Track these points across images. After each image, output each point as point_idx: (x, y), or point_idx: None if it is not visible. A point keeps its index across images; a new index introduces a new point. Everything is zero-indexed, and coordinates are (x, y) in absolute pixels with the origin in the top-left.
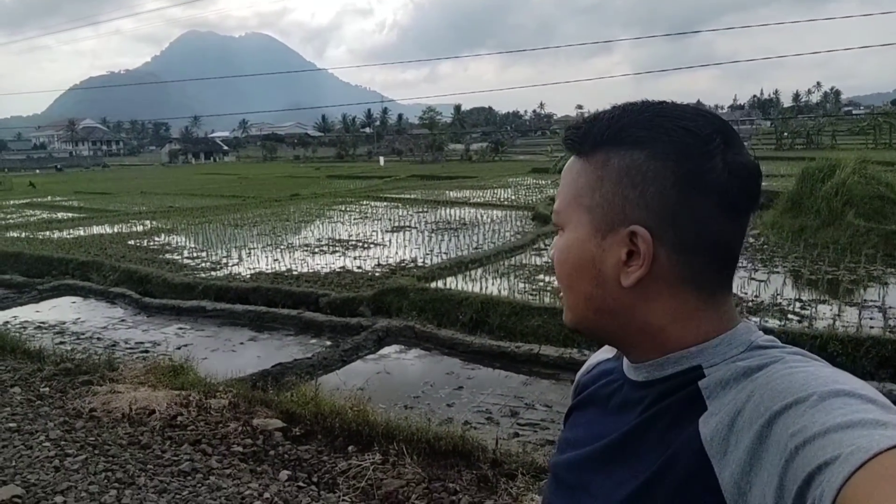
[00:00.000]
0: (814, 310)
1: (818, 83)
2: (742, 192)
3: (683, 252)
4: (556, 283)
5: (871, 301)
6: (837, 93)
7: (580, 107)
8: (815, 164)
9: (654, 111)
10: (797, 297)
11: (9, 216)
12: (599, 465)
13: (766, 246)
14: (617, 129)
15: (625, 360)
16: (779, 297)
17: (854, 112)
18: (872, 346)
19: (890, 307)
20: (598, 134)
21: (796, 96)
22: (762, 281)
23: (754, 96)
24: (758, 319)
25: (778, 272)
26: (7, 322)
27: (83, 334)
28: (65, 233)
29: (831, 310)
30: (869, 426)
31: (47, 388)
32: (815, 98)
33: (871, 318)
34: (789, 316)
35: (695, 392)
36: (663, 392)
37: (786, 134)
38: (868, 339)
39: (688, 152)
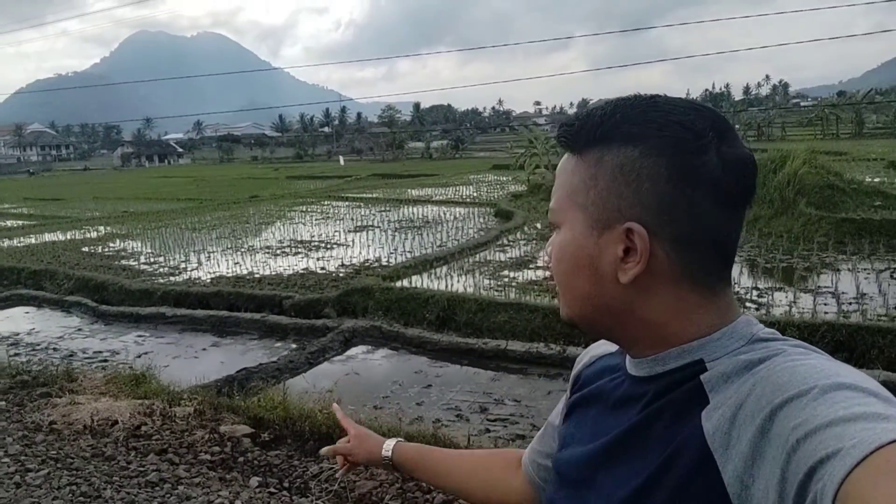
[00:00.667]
0: (770, 297)
1: (767, 76)
2: (737, 185)
3: (681, 247)
4: (547, 277)
5: (825, 287)
6: (786, 85)
7: (538, 103)
8: (766, 155)
9: (647, 106)
10: (754, 285)
11: None
12: (604, 461)
13: None
14: (609, 126)
15: (627, 357)
16: (736, 285)
17: (802, 104)
18: (827, 331)
19: (843, 293)
20: (590, 131)
21: (747, 89)
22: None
23: (706, 90)
24: None
25: (734, 262)
26: None
27: (38, 345)
28: (15, 241)
29: (787, 297)
30: (871, 419)
31: (3, 402)
32: (765, 91)
33: (825, 304)
34: (747, 304)
35: (697, 386)
36: (665, 387)
37: (737, 126)
38: (823, 325)
39: (681, 147)
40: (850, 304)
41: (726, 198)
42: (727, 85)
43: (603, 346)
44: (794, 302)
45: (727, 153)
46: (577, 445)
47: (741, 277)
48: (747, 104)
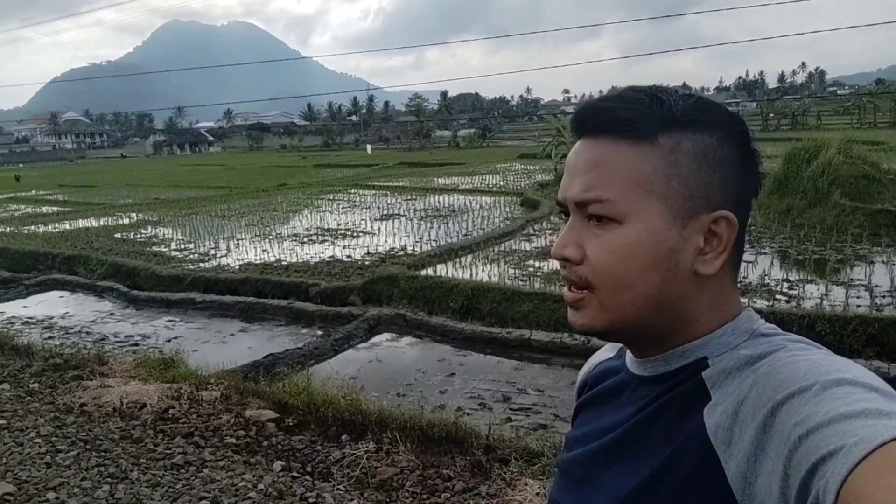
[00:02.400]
0: (801, 290)
1: (803, 63)
2: (761, 177)
3: (741, 236)
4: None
5: (858, 280)
6: (822, 73)
7: (567, 91)
8: (800, 144)
9: (698, 97)
10: (785, 277)
11: None
12: (607, 459)
13: (752, 227)
14: (682, 112)
15: (628, 356)
16: (767, 277)
17: (839, 92)
18: (859, 325)
19: (876, 286)
20: (665, 115)
21: (782, 77)
22: (749, 262)
23: (740, 77)
24: (746, 301)
25: (765, 253)
26: None
27: (72, 329)
28: (50, 227)
29: (818, 289)
30: (872, 416)
31: (37, 384)
32: (801, 79)
33: (857, 297)
34: (777, 296)
35: (699, 382)
36: (669, 385)
37: (771, 115)
38: (855, 318)
39: (743, 137)
40: (884, 297)
41: (759, 187)
42: (761, 73)
43: (603, 353)
44: (826, 294)
45: (757, 147)
46: (581, 446)
47: (772, 269)
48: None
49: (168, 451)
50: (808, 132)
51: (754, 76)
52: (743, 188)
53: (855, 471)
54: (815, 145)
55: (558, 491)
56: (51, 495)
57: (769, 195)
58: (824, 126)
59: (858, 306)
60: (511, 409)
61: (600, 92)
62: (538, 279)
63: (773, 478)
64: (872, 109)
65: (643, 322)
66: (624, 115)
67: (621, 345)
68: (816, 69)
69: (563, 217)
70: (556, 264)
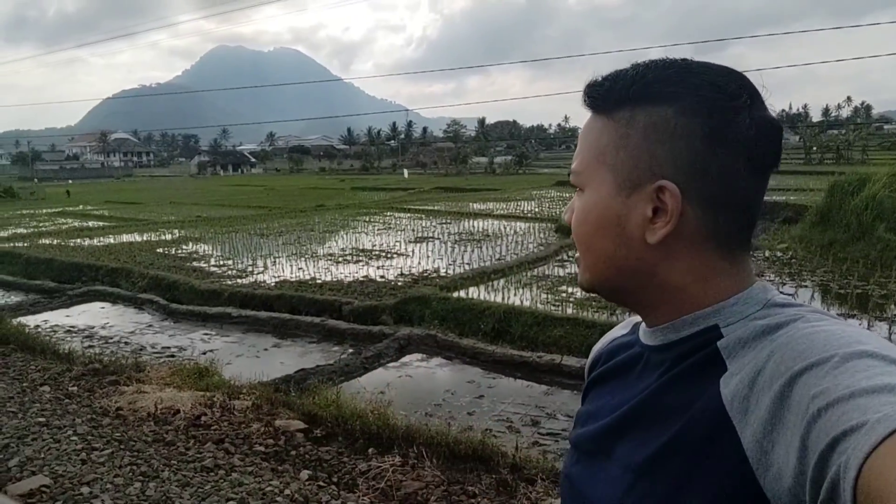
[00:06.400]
0: None
1: (849, 98)
2: (767, 149)
3: (709, 208)
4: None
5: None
6: (868, 107)
7: None
8: (844, 177)
9: (680, 67)
10: (826, 311)
11: (41, 224)
12: (621, 430)
13: (794, 260)
14: (642, 86)
15: (641, 327)
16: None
17: (885, 127)
18: None
19: None
20: (622, 90)
21: (826, 111)
22: (790, 295)
23: (783, 111)
24: None
25: (806, 286)
26: (38, 325)
27: (111, 338)
28: (95, 240)
29: (861, 324)
30: (895, 392)
31: (75, 388)
32: (846, 112)
33: None
34: None
35: (714, 352)
36: (681, 354)
37: (815, 148)
38: None
39: (716, 107)
40: None
41: (756, 161)
42: (805, 106)
43: (617, 330)
44: (870, 329)
45: (759, 116)
46: (595, 421)
47: (813, 303)
48: (826, 126)
49: (199, 455)
50: (852, 166)
51: (797, 109)
52: (706, 159)
53: (878, 448)
54: (860, 178)
55: (571, 465)
56: (84, 490)
57: (811, 228)
58: (870, 161)
59: None
60: (539, 433)
61: None
62: (570, 304)
63: (791, 448)
64: None
65: (614, 283)
66: (595, 93)
67: (635, 322)
68: (862, 103)
69: None
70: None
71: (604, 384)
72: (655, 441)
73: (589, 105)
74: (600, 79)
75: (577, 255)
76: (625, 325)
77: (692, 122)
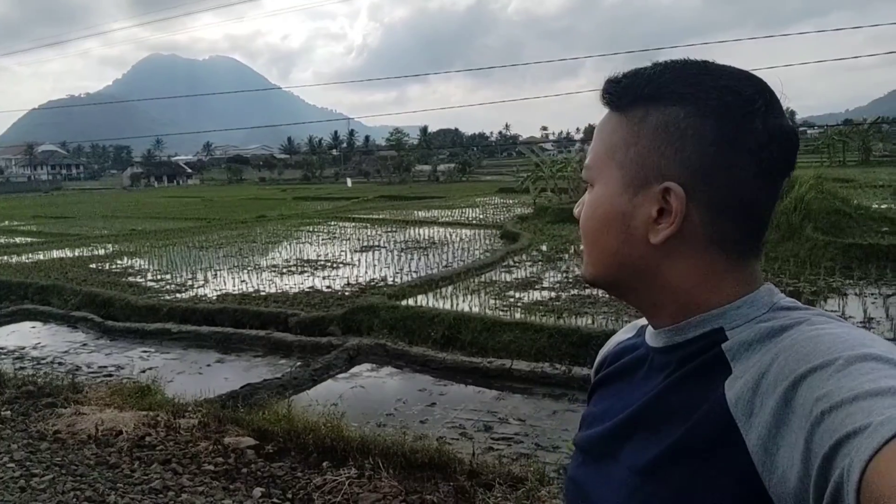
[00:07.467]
0: None
1: None
2: (780, 156)
3: (715, 212)
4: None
5: (832, 311)
6: (793, 113)
7: (545, 128)
8: None
9: (698, 68)
10: (831, 314)
11: None
12: (626, 433)
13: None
14: (658, 85)
15: (647, 329)
16: None
17: (808, 132)
18: None
19: (850, 317)
20: (637, 89)
21: None
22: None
23: None
24: None
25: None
26: None
27: (44, 359)
28: (23, 257)
29: None
30: None
31: (9, 412)
32: None
33: None
34: None
35: (719, 355)
36: (686, 356)
37: None
38: None
39: (729, 112)
40: (858, 328)
41: (768, 167)
42: None
43: (623, 333)
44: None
45: (773, 123)
46: (600, 423)
47: None
48: None
49: (146, 477)
50: None
51: None
52: (715, 163)
53: (882, 451)
54: (788, 181)
55: (576, 468)
56: None
57: None
58: (796, 164)
59: None
60: (493, 438)
61: (577, 129)
62: (519, 309)
63: (795, 451)
64: (842, 148)
65: (616, 279)
66: (612, 90)
67: (641, 325)
68: (787, 109)
69: None
70: (536, 295)
71: (609, 386)
72: (661, 443)
73: (605, 102)
74: (619, 76)
75: (582, 248)
76: (630, 328)
77: (703, 124)
